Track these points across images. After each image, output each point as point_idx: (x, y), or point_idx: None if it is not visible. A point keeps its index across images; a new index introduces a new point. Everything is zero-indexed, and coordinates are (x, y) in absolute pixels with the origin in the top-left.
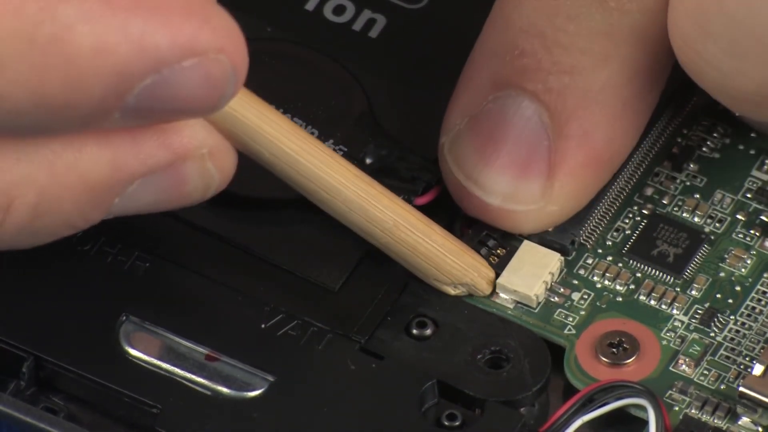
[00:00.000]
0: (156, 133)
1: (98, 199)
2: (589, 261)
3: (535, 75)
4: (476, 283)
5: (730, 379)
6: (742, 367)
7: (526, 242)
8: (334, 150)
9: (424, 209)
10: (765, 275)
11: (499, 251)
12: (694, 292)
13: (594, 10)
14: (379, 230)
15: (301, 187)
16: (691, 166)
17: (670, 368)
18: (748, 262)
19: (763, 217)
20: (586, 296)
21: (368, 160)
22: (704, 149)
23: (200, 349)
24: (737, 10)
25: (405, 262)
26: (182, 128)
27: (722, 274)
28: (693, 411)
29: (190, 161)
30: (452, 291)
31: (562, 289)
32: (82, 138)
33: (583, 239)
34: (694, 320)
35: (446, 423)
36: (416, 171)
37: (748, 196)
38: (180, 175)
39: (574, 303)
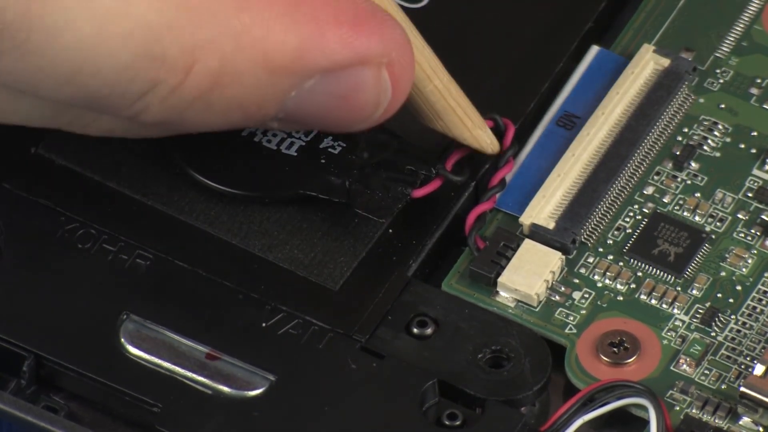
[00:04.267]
0: (342, 33)
1: (277, 84)
2: (590, 260)
3: None
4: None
5: (731, 379)
6: (743, 367)
7: (527, 241)
8: (332, 145)
9: (421, 202)
10: (766, 275)
11: None
12: (695, 292)
13: None
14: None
15: None
16: (692, 165)
17: (671, 368)
18: (749, 261)
19: (763, 217)
20: (587, 295)
21: (366, 154)
22: (705, 148)
23: (201, 348)
24: None
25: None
26: (368, 34)
27: (723, 274)
28: (694, 411)
29: (368, 68)
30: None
31: (563, 288)
32: (272, 18)
33: (584, 238)
34: (695, 320)
35: (447, 422)
36: (414, 164)
37: (749, 195)
38: (357, 80)
39: (575, 302)
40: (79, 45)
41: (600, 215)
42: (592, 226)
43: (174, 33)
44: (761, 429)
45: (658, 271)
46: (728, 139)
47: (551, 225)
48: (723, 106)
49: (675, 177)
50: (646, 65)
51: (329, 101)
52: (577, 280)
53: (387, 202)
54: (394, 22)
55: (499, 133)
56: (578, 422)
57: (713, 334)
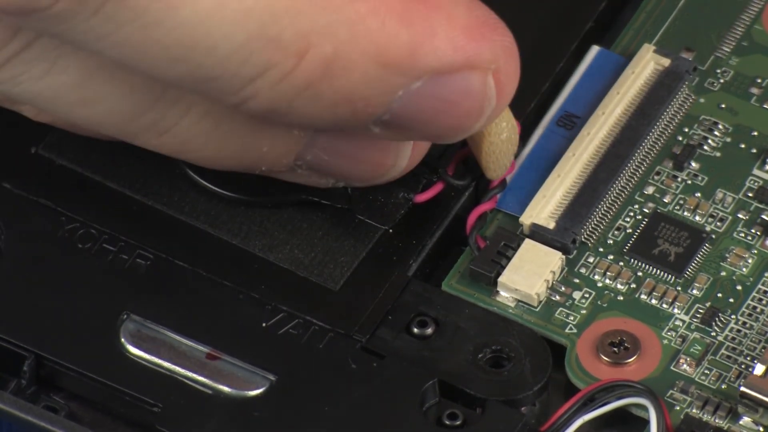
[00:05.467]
0: (455, 35)
1: (386, 80)
2: (591, 260)
3: None
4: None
5: (732, 379)
6: (743, 366)
7: (527, 241)
8: None
9: (423, 207)
10: (766, 274)
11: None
12: (695, 292)
13: None
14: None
15: None
16: (693, 164)
17: (671, 368)
18: (749, 261)
19: (764, 216)
20: (587, 295)
21: None
22: (705, 148)
23: (201, 348)
24: None
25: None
26: (480, 39)
27: (723, 274)
28: (694, 411)
29: (476, 73)
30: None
31: (563, 288)
32: (387, 12)
33: (585, 238)
34: (695, 319)
35: (447, 422)
36: (417, 168)
37: (750, 195)
38: (464, 85)
39: (576, 302)
40: (197, 19)
41: (600, 215)
42: (593, 225)
43: (291, 15)
44: (761, 429)
45: (659, 271)
46: (728, 139)
47: (551, 225)
48: (723, 105)
49: (675, 177)
50: (646, 65)
51: (435, 105)
52: (577, 280)
53: (389, 208)
54: (505, 29)
55: None
56: (578, 422)
57: (713, 333)
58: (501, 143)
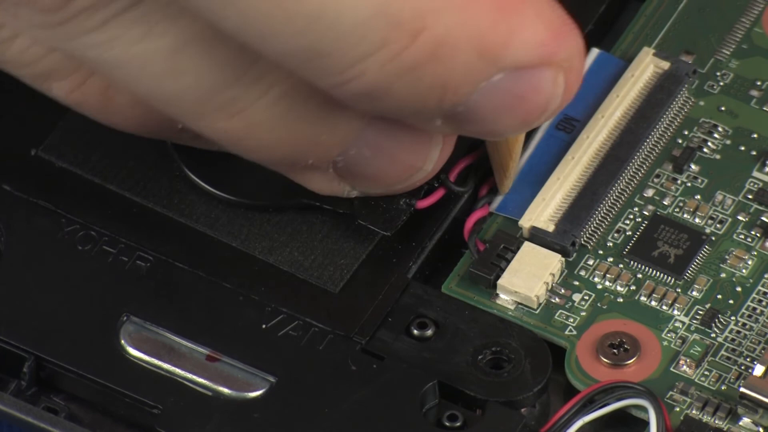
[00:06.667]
0: (540, 32)
1: (480, 69)
2: (590, 262)
3: None
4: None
5: (731, 380)
6: (743, 367)
7: (527, 243)
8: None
9: (425, 212)
10: (766, 276)
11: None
12: (694, 293)
13: None
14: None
15: None
16: (692, 167)
17: (671, 369)
18: (749, 263)
19: (763, 218)
20: (586, 297)
21: None
22: (705, 150)
23: (201, 350)
24: None
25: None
26: (561, 37)
27: (723, 275)
28: (694, 412)
29: (550, 70)
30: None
31: (562, 290)
32: (478, 5)
33: (584, 240)
34: (694, 321)
35: (447, 423)
36: None
37: (749, 197)
38: (538, 81)
39: (575, 304)
40: None
41: (600, 218)
42: (592, 228)
43: None
44: (761, 430)
45: (658, 273)
46: (728, 142)
47: (551, 228)
48: (723, 108)
49: (675, 179)
50: (646, 68)
51: (508, 99)
52: (577, 282)
53: (391, 214)
54: (578, 30)
55: None
56: (578, 423)
57: (713, 335)
58: (519, 161)
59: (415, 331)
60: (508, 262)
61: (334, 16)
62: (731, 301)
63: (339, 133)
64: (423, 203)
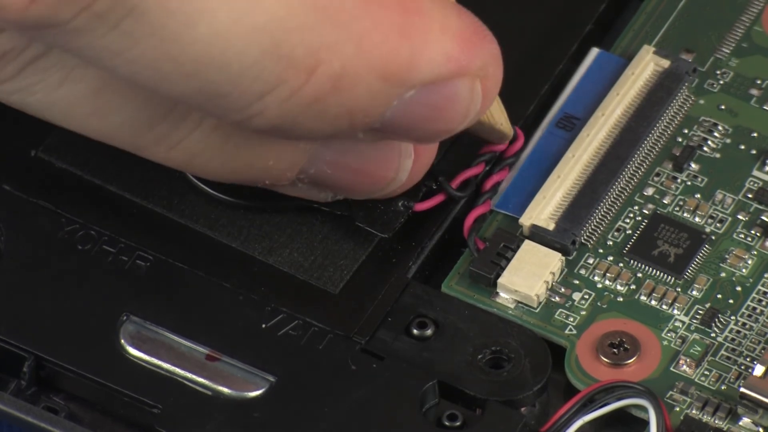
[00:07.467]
0: (448, 46)
1: (386, 92)
2: (590, 261)
3: None
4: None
5: (731, 380)
6: (743, 367)
7: (527, 242)
8: None
9: (424, 215)
10: (766, 275)
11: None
12: (694, 293)
13: None
14: None
15: None
16: (692, 166)
17: (671, 369)
18: (749, 262)
19: (763, 218)
20: (586, 296)
21: None
22: (705, 149)
23: (201, 349)
24: None
25: None
26: (472, 48)
27: (723, 275)
28: (694, 411)
29: (465, 80)
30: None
31: (562, 289)
32: (389, 25)
33: (584, 239)
34: (694, 321)
35: (447, 423)
36: None
37: (749, 196)
38: (453, 92)
39: (575, 303)
40: (213, 35)
41: (600, 216)
42: (592, 227)
43: (302, 32)
44: (761, 429)
45: (658, 272)
46: (728, 140)
47: (551, 226)
48: (723, 107)
49: (675, 178)
50: (646, 66)
51: (424, 112)
52: (577, 281)
53: (389, 216)
54: (491, 35)
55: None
56: (578, 423)
57: (713, 334)
58: (503, 110)
59: (415, 331)
60: (509, 260)
61: (222, 59)
62: (731, 301)
63: (286, 157)
64: (421, 206)
